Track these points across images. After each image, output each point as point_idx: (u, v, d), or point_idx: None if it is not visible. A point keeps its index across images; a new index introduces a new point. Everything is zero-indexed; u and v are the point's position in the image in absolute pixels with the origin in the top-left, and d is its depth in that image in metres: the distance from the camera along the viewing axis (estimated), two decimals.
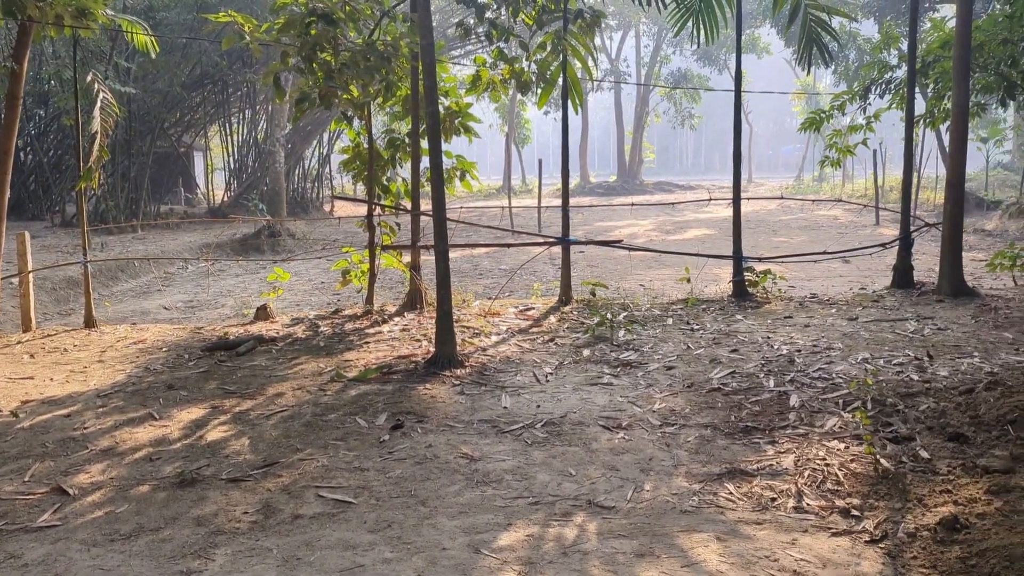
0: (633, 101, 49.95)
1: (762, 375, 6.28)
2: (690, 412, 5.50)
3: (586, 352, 7.27)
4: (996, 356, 6.55)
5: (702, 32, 9.76)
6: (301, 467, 4.69)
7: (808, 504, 4.03)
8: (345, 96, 8.61)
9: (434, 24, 16.92)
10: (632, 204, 21.64)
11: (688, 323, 8.45)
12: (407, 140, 9.70)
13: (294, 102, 8.39)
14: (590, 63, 10.19)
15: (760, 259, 11.18)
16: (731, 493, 4.21)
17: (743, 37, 16.68)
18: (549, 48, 9.48)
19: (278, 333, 8.42)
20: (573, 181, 33.06)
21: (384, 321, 8.84)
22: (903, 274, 10.29)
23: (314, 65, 8.04)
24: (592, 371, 6.66)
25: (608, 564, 3.49)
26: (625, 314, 8.84)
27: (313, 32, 7.84)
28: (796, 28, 10.14)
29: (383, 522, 3.96)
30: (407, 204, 9.86)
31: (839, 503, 4.02)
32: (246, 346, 7.69)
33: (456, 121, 9.62)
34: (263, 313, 9.49)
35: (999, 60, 10.67)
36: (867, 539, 3.68)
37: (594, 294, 9.98)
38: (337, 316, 9.29)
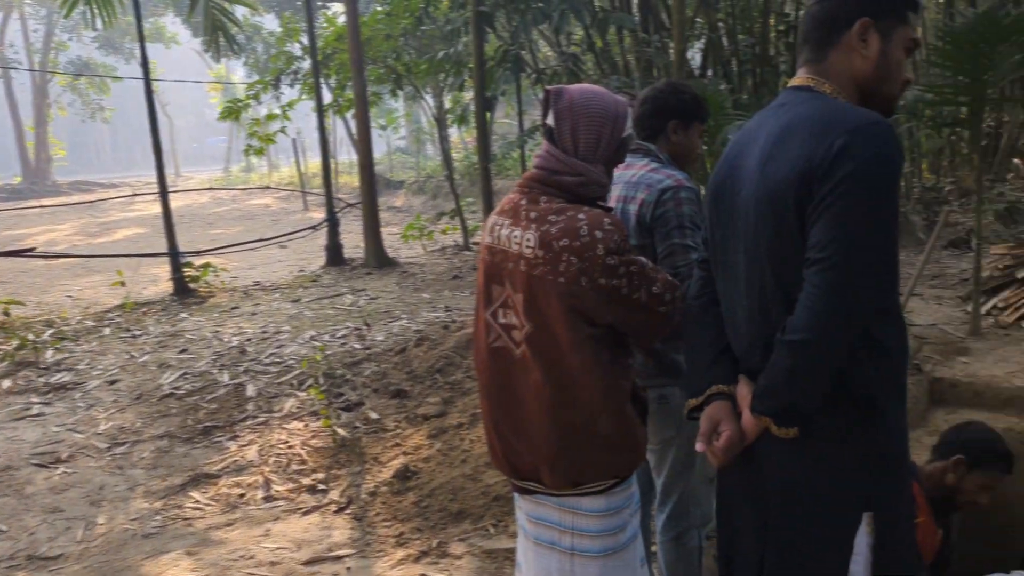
0: (30, 93, 43.68)
1: (216, 371, 6.10)
2: (142, 426, 5.06)
3: (6, 383, 6.16)
4: (420, 315, 7.45)
5: (97, 17, 8.92)
6: None
7: (277, 491, 4.05)
8: None
9: None
10: (42, 207, 19.01)
11: (129, 330, 7.76)
12: None
13: None
14: None
15: (199, 253, 10.84)
16: (198, 501, 4.00)
17: (148, 25, 15.69)
18: None
19: None
20: None
21: None
22: (335, 252, 11.03)
23: None
24: (16, 404, 5.67)
25: None
26: (52, 332, 7.73)
27: None
28: (202, 18, 9.93)
29: None
30: None
31: (306, 481, 4.12)
32: None
33: None
34: None
35: (386, 54, 11.99)
36: (335, 509, 3.84)
37: (8, 314, 8.50)
38: None
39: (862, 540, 1.57)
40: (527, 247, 1.85)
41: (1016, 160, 9.22)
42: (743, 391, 1.68)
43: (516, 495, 2.07)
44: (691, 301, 1.89)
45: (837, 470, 1.56)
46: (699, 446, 1.72)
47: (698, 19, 8.95)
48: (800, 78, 1.67)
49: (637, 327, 1.91)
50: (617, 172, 2.15)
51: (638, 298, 1.84)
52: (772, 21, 8.75)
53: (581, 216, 1.83)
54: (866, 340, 1.52)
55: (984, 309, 6.01)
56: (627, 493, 1.96)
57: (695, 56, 9.99)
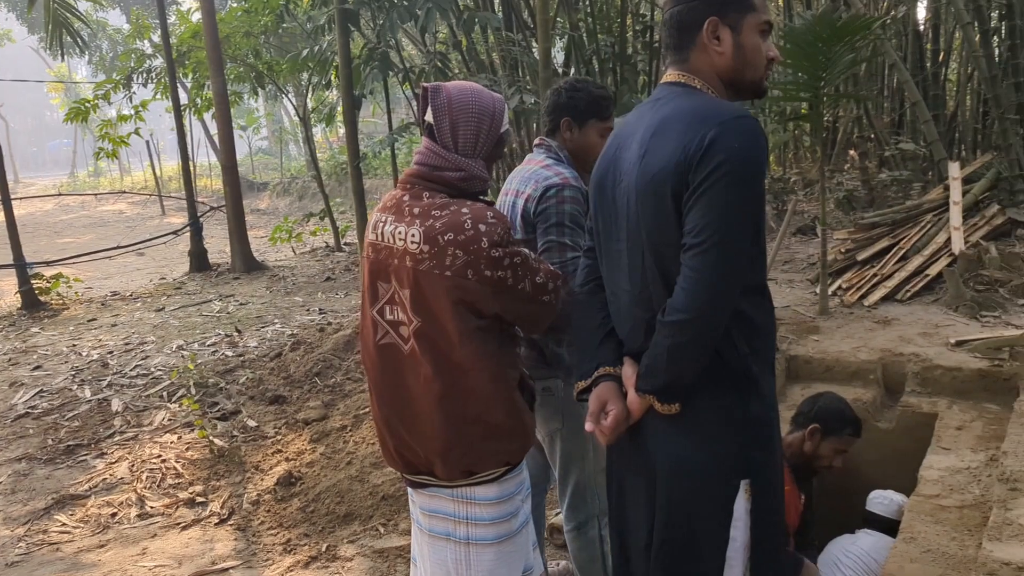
0: None
1: (76, 386, 5.75)
2: None
3: None
4: (293, 319, 7.28)
5: None
6: None
7: (152, 507, 3.88)
8: None
9: None
10: None
11: None
12: None
13: None
14: None
15: (48, 263, 10.14)
16: (65, 524, 3.78)
17: None
18: None
19: None
20: None
21: None
22: (199, 258, 10.59)
23: None
24: None
25: None
26: None
27: None
28: (40, 15, 9.28)
29: None
30: None
31: (183, 495, 3.97)
32: None
33: None
34: None
35: (245, 52, 11.60)
36: (216, 521, 3.73)
37: None
38: None
39: (741, 506, 1.70)
40: (412, 243, 1.87)
41: (851, 152, 9.99)
42: (628, 372, 1.78)
43: (410, 490, 2.09)
44: (577, 289, 1.97)
45: (717, 441, 1.68)
46: (588, 426, 1.80)
47: (560, 18, 9.19)
48: (671, 74, 1.78)
49: (524, 316, 1.97)
50: (519, 166, 2.23)
51: (523, 288, 1.90)
52: (629, 21, 9.09)
53: (465, 210, 1.87)
54: (739, 318, 1.65)
55: (830, 290, 6.50)
56: (518, 479, 2.02)
57: (558, 55, 10.23)
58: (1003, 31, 7.10)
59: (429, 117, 1.96)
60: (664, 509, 1.72)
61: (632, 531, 1.84)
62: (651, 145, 1.66)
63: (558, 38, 9.77)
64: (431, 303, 1.87)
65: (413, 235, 1.87)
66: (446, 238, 1.84)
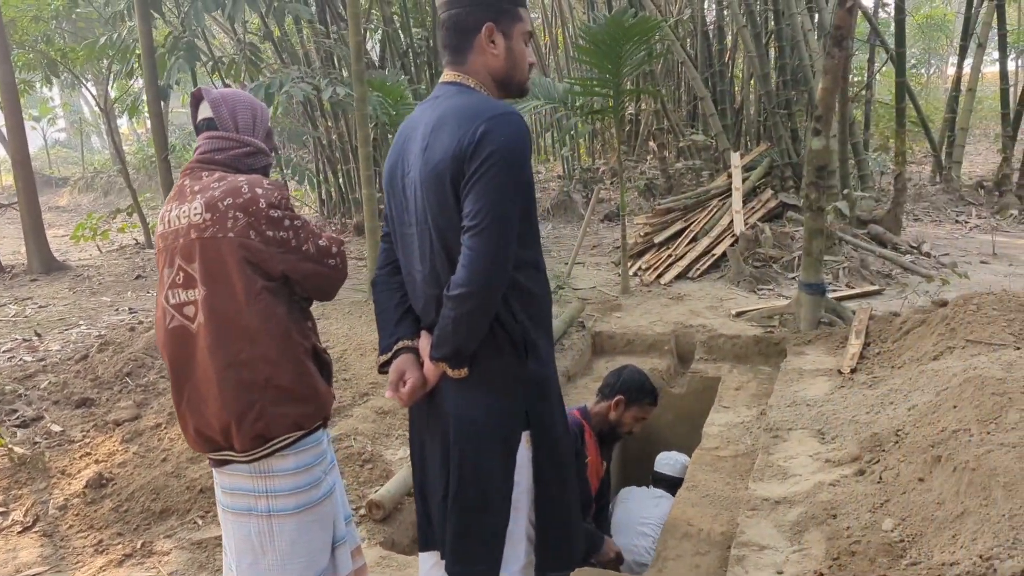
0: None
1: None
2: None
3: None
4: (100, 320, 6.93)
5: None
6: None
7: None
8: None
9: None
10: None
11: None
12: None
13: None
14: None
15: None
16: None
17: None
18: None
19: None
20: None
21: None
22: None
23: None
24: None
25: None
26: None
27: None
28: None
29: None
30: None
31: None
32: None
33: None
34: None
35: (35, 37, 10.77)
36: (19, 530, 3.57)
37: None
38: None
39: (523, 454, 1.94)
40: (195, 215, 1.97)
41: (651, 143, 10.75)
42: (424, 343, 1.96)
43: (215, 474, 2.15)
44: (377, 271, 2.13)
45: (501, 398, 1.90)
46: (388, 393, 1.98)
47: (374, 12, 9.24)
48: (449, 74, 1.98)
49: (312, 278, 2.07)
50: None
51: (307, 249, 2.03)
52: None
53: (241, 179, 2.01)
54: (517, 289, 1.87)
55: (632, 271, 7.04)
56: (317, 451, 2.11)
57: (375, 48, 10.27)
58: (773, 34, 7.93)
59: (204, 113, 2.11)
60: (457, 463, 1.92)
61: (431, 488, 2.03)
62: (431, 139, 1.85)
63: (375, 31, 9.83)
64: (217, 268, 1.96)
65: (195, 208, 1.98)
66: (226, 203, 1.95)
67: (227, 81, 8.44)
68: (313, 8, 8.77)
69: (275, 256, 1.98)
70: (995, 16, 8.72)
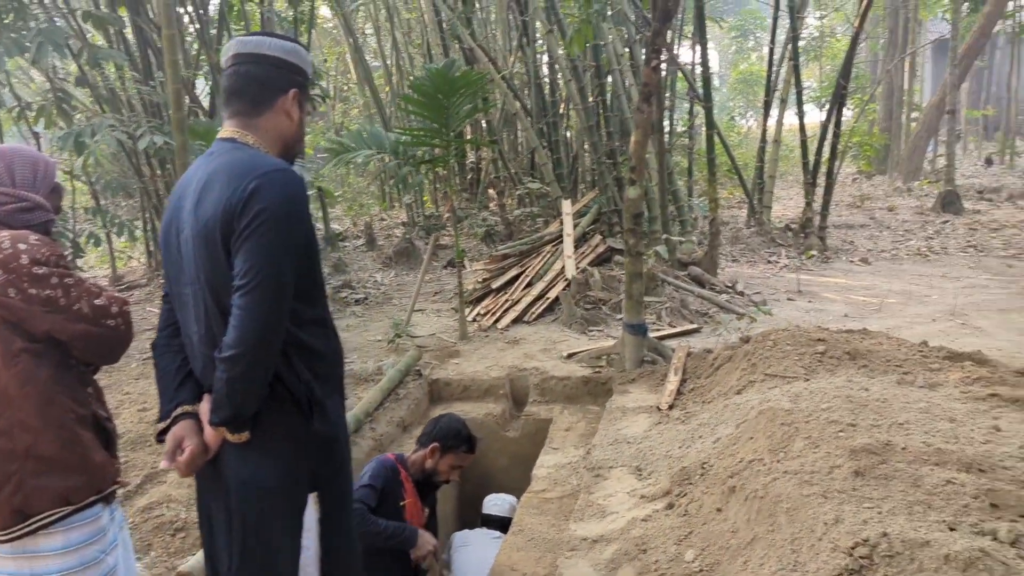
0: None
1: None
2: None
3: None
4: None
5: None
6: None
7: None
8: None
9: None
10: None
11: None
12: None
13: None
14: None
15: None
16: None
17: None
18: None
19: None
20: None
21: None
22: None
23: None
24: None
25: None
26: None
27: None
28: None
29: None
30: None
31: None
32: None
33: None
34: None
35: None
36: None
37: None
38: None
39: (311, 516, 1.89)
40: None
41: (491, 190, 11.00)
42: (204, 407, 1.89)
43: None
44: (158, 333, 2.04)
45: (285, 460, 1.86)
46: (164, 463, 1.88)
47: (202, 58, 8.99)
48: (228, 130, 1.95)
49: (84, 339, 1.95)
50: None
51: (79, 308, 1.92)
52: None
53: (4, 234, 1.90)
54: (300, 347, 1.84)
55: (471, 316, 7.12)
56: (92, 527, 1.95)
57: (206, 94, 9.97)
58: (595, 88, 8.36)
59: None
60: (240, 529, 1.85)
61: (219, 556, 1.95)
62: (203, 195, 1.81)
63: (204, 77, 9.54)
64: None
65: None
66: None
67: (35, 128, 7.93)
68: (136, 53, 8.43)
69: (38, 315, 1.86)
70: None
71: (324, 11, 16.41)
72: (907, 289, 7.60)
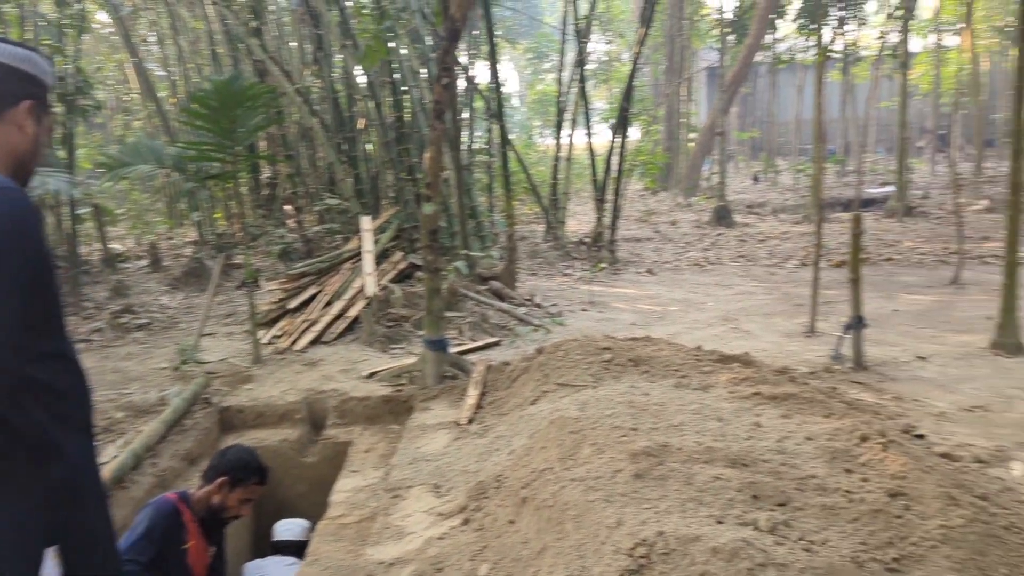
0: None
1: None
2: None
3: None
4: None
5: None
6: None
7: None
8: None
9: None
10: None
11: None
12: None
13: None
14: None
15: None
16: None
17: None
18: None
19: None
20: None
21: None
22: None
23: None
24: None
25: None
26: None
27: None
28: None
29: None
30: None
31: None
32: None
33: None
34: None
35: None
36: None
37: None
38: None
39: (53, 572, 1.68)
40: None
41: (287, 207, 10.65)
42: None
43: None
44: None
45: (17, 511, 1.64)
46: None
47: None
48: None
49: None
50: None
51: None
52: None
53: None
54: (33, 386, 1.64)
55: (266, 339, 6.82)
56: None
57: None
58: (393, 105, 8.35)
59: None
60: None
61: None
62: None
63: None
64: None
65: None
66: None
67: None
68: None
69: None
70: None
71: (103, 16, 15.20)
72: (687, 297, 8.19)
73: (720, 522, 2.38)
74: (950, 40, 22.49)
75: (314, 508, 4.86)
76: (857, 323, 5.53)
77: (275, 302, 7.29)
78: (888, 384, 5.16)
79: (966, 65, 16.40)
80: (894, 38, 15.85)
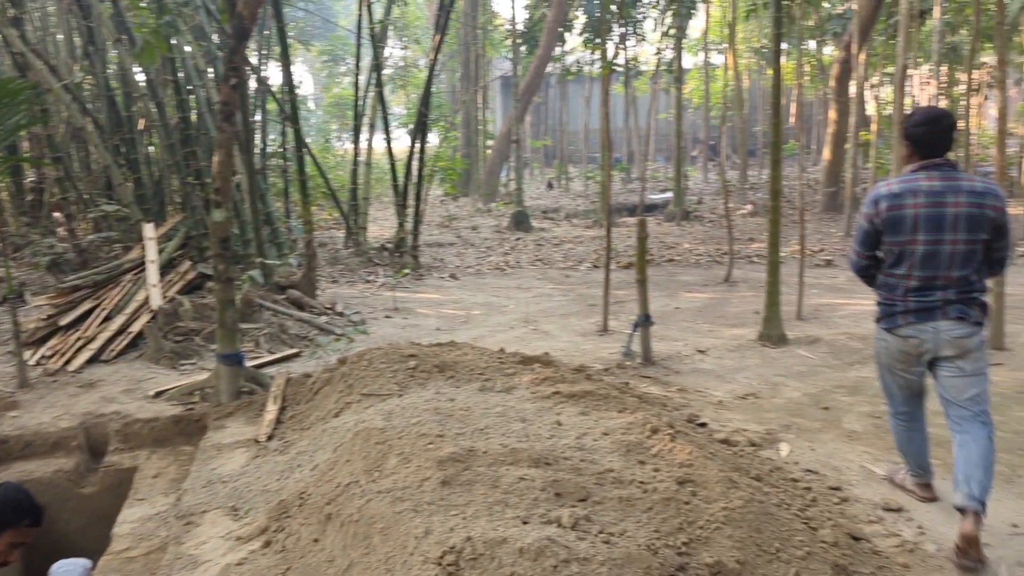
0: None
1: None
2: None
3: None
4: None
5: None
6: None
7: None
8: None
9: None
10: None
11: None
12: None
13: None
14: None
15: None
16: None
17: None
18: None
19: None
20: None
21: None
22: None
23: None
24: None
25: None
26: None
27: None
28: None
29: None
30: None
31: None
32: None
33: None
34: None
35: None
36: None
37: None
38: None
39: None
40: None
41: (56, 214, 9.68)
42: None
43: None
44: None
45: None
46: None
47: None
48: None
49: None
50: None
51: None
52: None
53: None
54: None
55: (34, 360, 6.15)
56: None
57: None
58: (176, 105, 7.83)
59: None
60: None
61: None
62: None
63: None
64: None
65: None
66: None
67: None
68: None
69: None
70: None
71: None
72: (489, 300, 8.35)
73: (526, 522, 2.44)
74: (717, 59, 24.65)
75: (96, 543, 4.44)
76: (644, 321, 5.90)
77: (44, 319, 6.60)
78: (673, 377, 5.55)
79: (731, 82, 18.05)
80: (669, 54, 17.09)
